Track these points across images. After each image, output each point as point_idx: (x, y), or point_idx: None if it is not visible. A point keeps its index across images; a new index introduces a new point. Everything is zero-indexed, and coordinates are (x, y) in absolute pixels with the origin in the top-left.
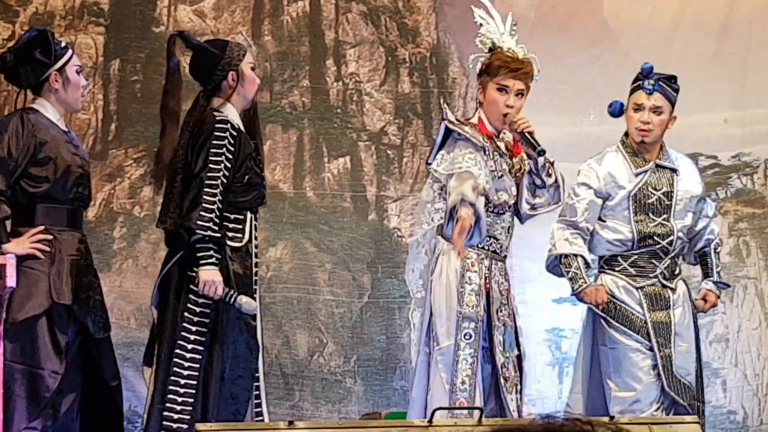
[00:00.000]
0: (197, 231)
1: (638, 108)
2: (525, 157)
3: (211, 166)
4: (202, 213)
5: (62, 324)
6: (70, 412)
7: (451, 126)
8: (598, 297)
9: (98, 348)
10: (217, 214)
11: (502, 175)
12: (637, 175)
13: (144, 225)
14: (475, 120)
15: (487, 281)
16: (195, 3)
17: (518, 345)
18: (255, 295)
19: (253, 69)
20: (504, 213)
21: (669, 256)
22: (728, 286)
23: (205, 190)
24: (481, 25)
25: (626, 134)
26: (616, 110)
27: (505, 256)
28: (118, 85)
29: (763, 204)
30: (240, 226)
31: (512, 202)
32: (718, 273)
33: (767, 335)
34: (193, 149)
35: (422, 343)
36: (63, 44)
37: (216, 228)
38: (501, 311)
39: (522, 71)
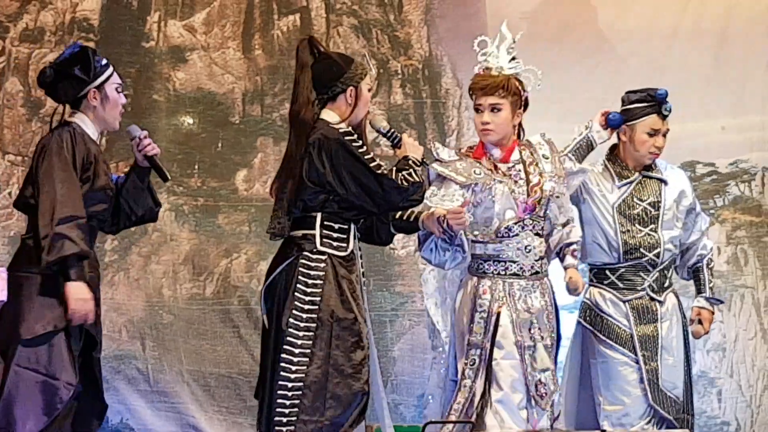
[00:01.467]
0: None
1: (654, 133)
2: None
3: (370, 164)
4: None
5: (75, 337)
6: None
7: (438, 169)
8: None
9: (98, 366)
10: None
11: (493, 202)
12: (620, 187)
13: (135, 238)
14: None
15: (500, 306)
16: (185, 18)
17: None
18: (364, 305)
19: (369, 90)
20: (516, 235)
21: (657, 269)
22: (722, 302)
23: (385, 178)
24: (479, 52)
25: (611, 149)
26: (618, 122)
27: (537, 273)
28: None
29: (761, 212)
30: (344, 236)
31: (528, 221)
32: (711, 289)
33: (762, 345)
34: (333, 167)
35: (453, 371)
36: (104, 62)
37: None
38: (532, 330)
39: (491, 85)
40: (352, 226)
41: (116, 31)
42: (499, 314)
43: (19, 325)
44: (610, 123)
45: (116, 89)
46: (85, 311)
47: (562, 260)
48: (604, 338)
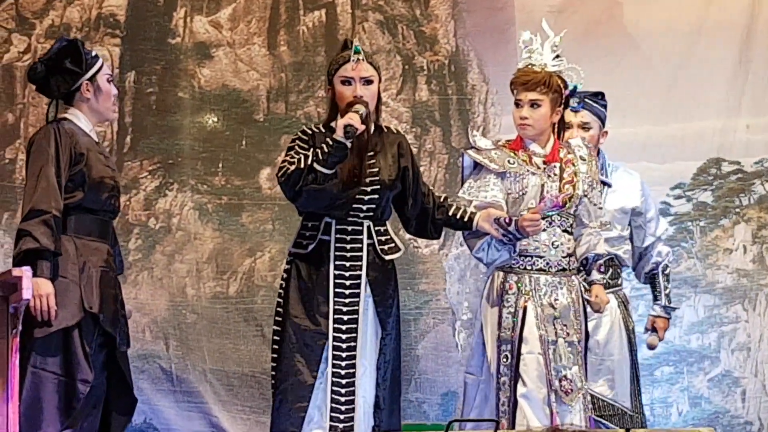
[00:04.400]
0: None
1: (569, 126)
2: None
3: (281, 164)
4: None
5: (89, 333)
6: (91, 428)
7: (472, 155)
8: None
9: (124, 361)
10: None
11: (524, 194)
12: None
13: (159, 237)
14: (514, 137)
15: (526, 300)
16: (211, 14)
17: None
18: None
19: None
20: (543, 230)
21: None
22: (676, 308)
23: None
24: (524, 47)
25: None
26: None
27: (564, 270)
28: (133, 97)
29: None
30: (314, 233)
31: (556, 217)
32: (667, 296)
33: None
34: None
35: (475, 366)
36: (93, 53)
37: None
38: (556, 325)
39: (532, 81)
40: (326, 220)
41: (142, 27)
42: (525, 309)
43: (32, 326)
44: None
45: (108, 80)
46: (43, 307)
47: (588, 273)
48: None
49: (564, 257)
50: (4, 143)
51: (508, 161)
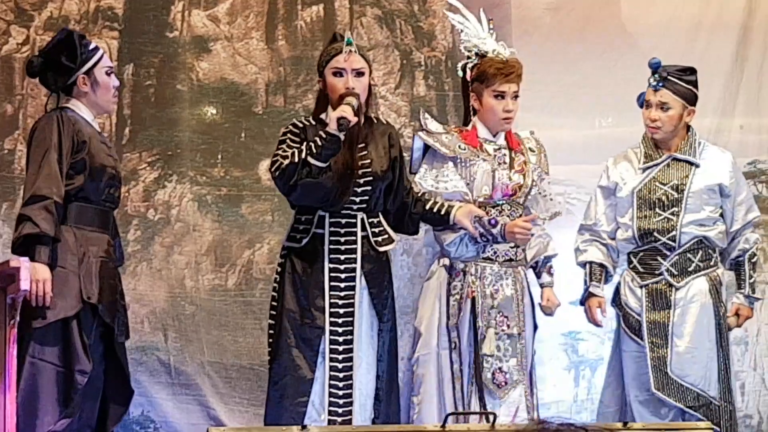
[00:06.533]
0: None
1: (648, 105)
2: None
3: (273, 158)
4: None
5: (87, 324)
6: (89, 419)
7: (423, 137)
8: (593, 311)
9: (122, 352)
10: None
11: (473, 179)
12: (643, 170)
13: (158, 228)
14: (469, 127)
15: (473, 290)
16: (209, 8)
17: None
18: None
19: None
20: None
21: (676, 253)
22: (759, 299)
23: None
24: (461, 31)
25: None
26: (640, 103)
27: (510, 261)
28: (132, 90)
29: None
30: (308, 226)
31: (506, 206)
32: (751, 285)
33: None
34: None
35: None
36: (92, 46)
37: None
38: (495, 316)
39: (515, 74)
40: (319, 213)
41: (140, 20)
42: (473, 299)
43: (31, 316)
44: (639, 104)
45: (106, 72)
46: (39, 293)
47: (538, 276)
48: (624, 327)
49: (512, 248)
50: (3, 134)
51: (459, 146)
